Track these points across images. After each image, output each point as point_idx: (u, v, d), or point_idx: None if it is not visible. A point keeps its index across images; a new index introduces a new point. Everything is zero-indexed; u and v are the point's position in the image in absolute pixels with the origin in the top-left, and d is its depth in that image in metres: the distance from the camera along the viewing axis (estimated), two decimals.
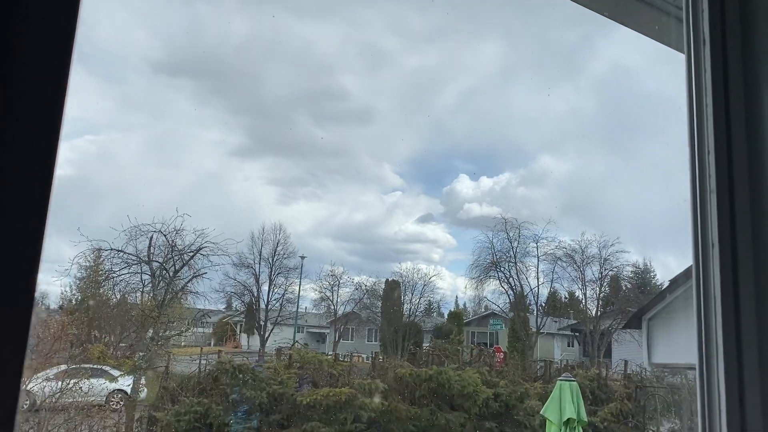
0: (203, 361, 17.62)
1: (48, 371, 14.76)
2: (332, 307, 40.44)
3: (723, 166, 1.25)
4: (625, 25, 2.02)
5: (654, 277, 47.51)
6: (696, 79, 1.38)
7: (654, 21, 1.85)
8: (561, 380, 8.22)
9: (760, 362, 1.17)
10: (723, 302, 1.21)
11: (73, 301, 31.22)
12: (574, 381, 8.32)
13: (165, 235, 20.95)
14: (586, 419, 8.12)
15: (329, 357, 16.38)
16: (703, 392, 1.25)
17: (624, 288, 37.98)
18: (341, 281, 40.34)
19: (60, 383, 14.30)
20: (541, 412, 8.35)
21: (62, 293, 33.22)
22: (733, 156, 1.25)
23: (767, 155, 1.20)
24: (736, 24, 1.31)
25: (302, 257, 39.38)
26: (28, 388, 14.61)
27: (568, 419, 7.55)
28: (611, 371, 21.58)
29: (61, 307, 27.36)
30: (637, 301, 37.58)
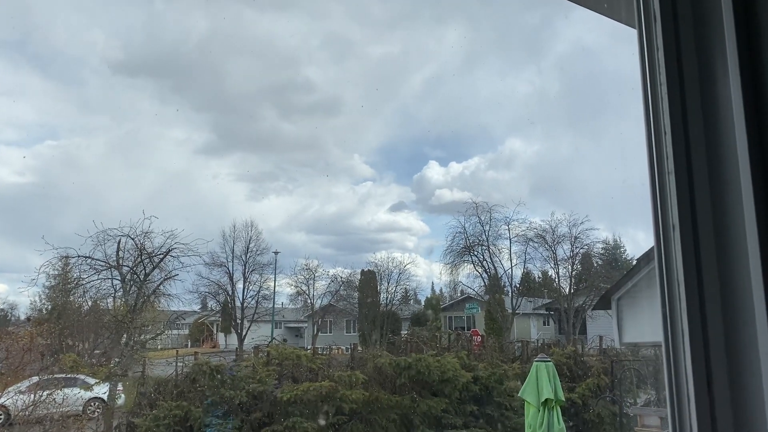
0: (180, 364, 17.41)
1: (20, 384, 14.43)
2: (309, 301, 40.34)
3: (680, 147, 1.23)
4: (577, 3, 2.00)
5: (624, 253, 48.36)
6: (649, 57, 1.35)
7: None
8: (537, 361, 8.33)
9: (726, 341, 1.16)
10: (686, 284, 1.20)
11: (44, 311, 30.60)
12: (550, 361, 8.43)
13: (133, 239, 20.60)
14: (563, 398, 8.24)
15: (307, 352, 16.33)
16: (670, 373, 1.24)
17: (595, 265, 38.60)
18: (317, 274, 40.23)
19: (33, 396, 13.99)
20: (519, 394, 8.45)
21: (31, 303, 32.49)
22: (690, 136, 1.23)
23: (724, 133, 1.19)
24: None
25: (276, 252, 39.14)
26: (1, 402, 14.29)
27: (546, 400, 7.65)
28: (587, 347, 21.99)
29: (28, 319, 26.73)
30: (608, 277, 38.26)
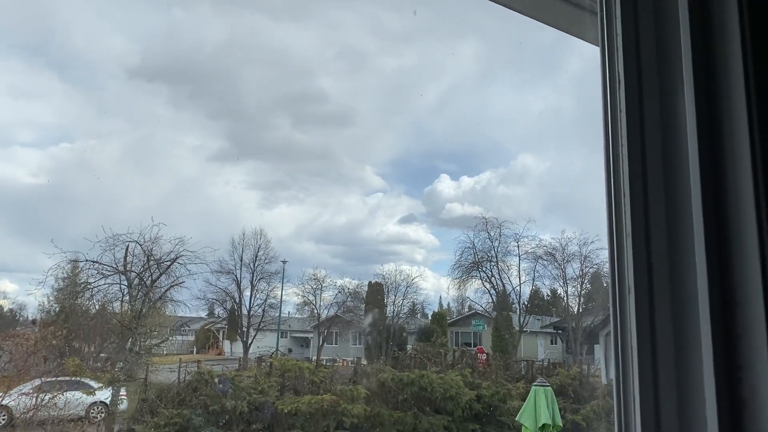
0: (183, 371, 17.43)
1: (23, 386, 14.49)
2: (315, 311, 40.26)
3: (637, 171, 1.22)
4: (547, 24, 2.00)
5: None
6: (610, 74, 1.35)
7: (571, 17, 1.84)
8: (536, 386, 8.24)
9: (678, 397, 1.15)
10: (639, 344, 1.19)
11: (51, 313, 30.80)
12: (548, 386, 8.34)
13: (141, 245, 20.69)
14: (561, 424, 8.14)
15: (310, 364, 16.28)
16: (620, 412, 1.25)
17: (605, 284, 38.27)
18: (324, 285, 40.16)
19: (36, 398, 14.05)
20: (516, 418, 8.36)
21: (40, 305, 32.73)
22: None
23: (682, 159, 1.17)
24: (649, 18, 1.28)
25: (284, 261, 39.16)
26: (4, 402, 14.34)
27: (543, 425, 7.56)
28: (593, 368, 21.72)
29: (33, 322, 26.88)
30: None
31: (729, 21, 1.10)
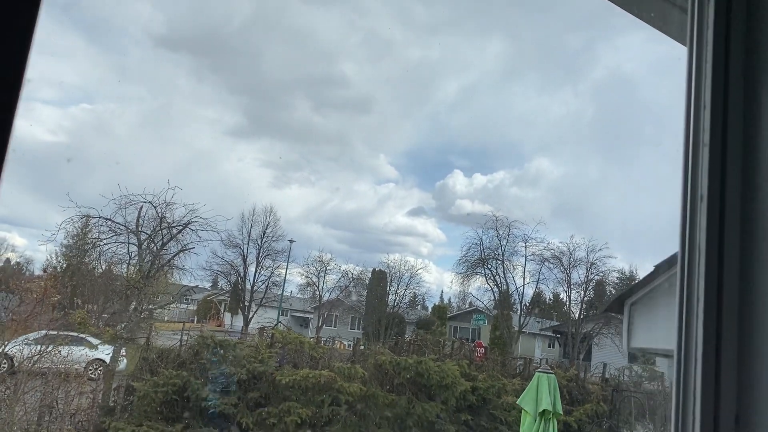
0: (185, 337, 17.58)
1: (28, 335, 14.69)
2: (317, 293, 40.51)
3: (716, 168, 1.25)
4: (628, 11, 2.00)
5: None
6: (696, 74, 1.36)
7: (656, 9, 1.82)
8: (539, 372, 8.28)
9: (738, 359, 1.18)
10: (706, 299, 1.21)
11: (58, 268, 31.09)
12: (552, 374, 8.39)
13: (155, 207, 20.81)
14: (561, 411, 8.19)
15: (311, 339, 16.40)
16: (679, 381, 1.26)
17: (608, 293, 38.22)
18: (328, 268, 40.40)
19: (39, 347, 14.24)
20: (517, 402, 8.41)
21: (47, 260, 33.03)
22: (728, 156, 1.24)
23: (763, 160, 1.20)
24: (741, 18, 1.30)
25: (291, 241, 39.39)
26: (7, 350, 14.55)
27: (544, 410, 7.60)
28: (590, 374, 21.76)
29: (44, 270, 27.13)
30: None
31: None
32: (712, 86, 1.29)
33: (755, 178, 1.21)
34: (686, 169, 1.31)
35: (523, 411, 8.00)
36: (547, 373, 8.22)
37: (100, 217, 20.14)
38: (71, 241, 23.85)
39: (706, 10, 1.35)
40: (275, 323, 24.72)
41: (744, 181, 1.23)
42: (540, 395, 7.72)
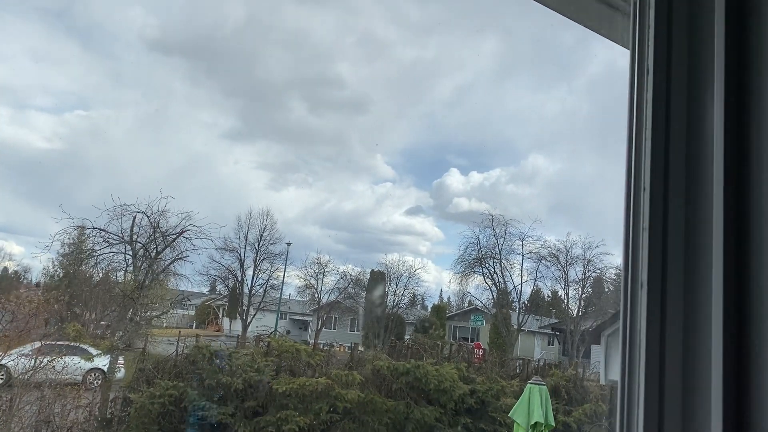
0: (182, 344, 17.53)
1: (23, 347, 14.63)
2: (316, 295, 40.41)
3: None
4: (575, 21, 1.98)
5: None
6: (638, 75, 1.34)
7: (600, 16, 1.82)
8: (531, 384, 8.24)
9: (683, 398, 1.14)
10: (648, 339, 1.18)
11: (55, 277, 31.03)
12: (543, 385, 8.34)
13: (148, 216, 20.78)
14: (553, 423, 8.15)
15: (308, 346, 16.35)
16: (623, 409, 1.23)
17: (606, 290, 38.23)
18: (326, 269, 40.29)
19: (34, 360, 14.18)
20: (509, 414, 8.36)
21: (44, 269, 32.94)
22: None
23: (706, 161, 1.16)
24: (683, 19, 1.27)
25: (288, 243, 39.28)
26: (3, 362, 14.49)
27: (536, 423, 7.56)
28: (589, 372, 21.74)
29: (37, 285, 27.09)
30: (618, 304, 37.84)
31: (766, 25, 1.09)
32: (654, 87, 1.28)
33: (699, 178, 1.19)
34: (629, 169, 1.29)
35: (515, 423, 7.95)
36: (538, 384, 8.19)
37: (94, 228, 20.12)
38: (67, 250, 23.80)
39: (647, 12, 1.35)
40: (272, 330, 24.66)
41: (688, 177, 1.20)
42: (532, 407, 7.68)
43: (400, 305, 40.74)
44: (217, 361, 13.29)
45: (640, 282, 1.20)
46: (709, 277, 1.09)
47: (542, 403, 7.76)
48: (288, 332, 45.36)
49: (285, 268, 39.46)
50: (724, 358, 1.02)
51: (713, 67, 1.17)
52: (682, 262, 1.16)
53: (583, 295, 35.73)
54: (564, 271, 35.38)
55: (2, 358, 14.31)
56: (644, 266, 1.19)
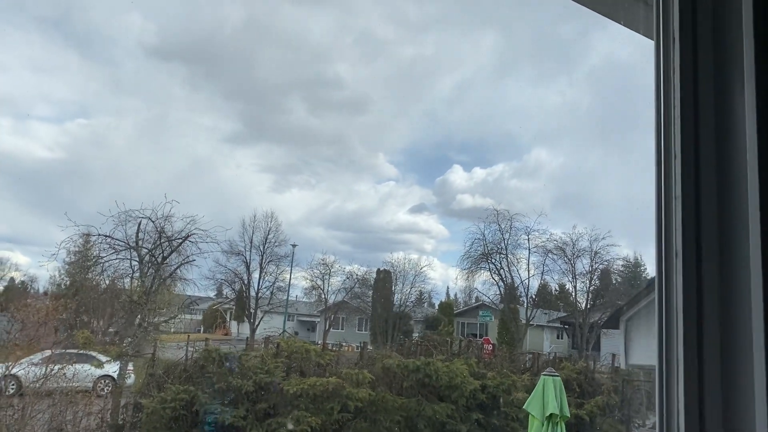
0: (191, 349, 17.55)
1: (33, 356, 14.66)
2: (323, 296, 40.41)
3: (690, 170, 1.17)
4: (593, 9, 1.94)
5: (644, 272, 47.77)
6: (665, 70, 1.29)
7: (622, 6, 1.78)
8: (545, 375, 8.19)
9: (722, 371, 1.10)
10: (685, 311, 1.14)
11: (62, 286, 31.09)
12: (557, 376, 8.29)
13: (153, 222, 20.78)
14: (568, 414, 8.10)
15: (317, 346, 16.33)
16: (662, 401, 1.19)
17: (614, 282, 38.12)
18: (332, 270, 40.28)
19: (45, 368, 14.20)
20: (524, 407, 8.31)
21: (51, 277, 33.01)
22: (701, 159, 1.17)
23: (736, 159, 1.13)
24: (708, 10, 1.23)
25: (293, 245, 39.27)
26: (13, 372, 14.52)
27: (551, 414, 7.51)
28: (599, 364, 21.68)
29: (45, 293, 27.15)
30: (627, 295, 37.75)
31: None
32: (681, 82, 1.24)
33: (730, 175, 1.15)
34: (659, 170, 1.25)
35: (530, 415, 7.90)
36: (552, 375, 8.13)
37: (99, 235, 20.14)
38: (73, 258, 23.84)
39: (671, 2, 1.30)
40: (281, 332, 24.65)
41: (719, 178, 1.16)
42: (546, 399, 7.64)
43: (407, 303, 40.71)
44: (227, 363, 13.28)
45: (675, 251, 1.16)
46: (745, 244, 1.05)
47: (557, 395, 7.71)
48: (296, 333, 45.36)
49: (291, 270, 39.49)
50: (765, 326, 0.98)
51: (742, 57, 1.13)
52: (717, 229, 1.13)
53: (591, 288, 35.64)
54: (571, 264, 35.30)
55: (13, 368, 14.35)
56: (678, 235, 1.16)
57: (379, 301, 39.59)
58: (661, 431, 1.19)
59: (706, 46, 1.24)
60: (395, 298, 40.15)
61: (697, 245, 1.14)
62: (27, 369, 14.54)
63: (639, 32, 1.66)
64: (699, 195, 1.16)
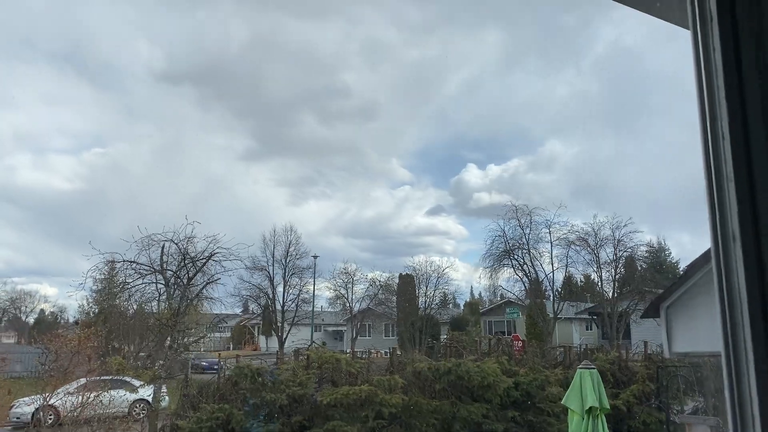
0: (223, 365, 17.65)
1: (68, 386, 14.85)
2: (348, 305, 40.49)
3: (740, 152, 1.16)
4: (623, 3, 1.92)
5: (669, 256, 47.25)
6: (705, 60, 1.28)
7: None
8: (581, 368, 8.09)
9: None
10: (749, 296, 1.13)
11: (91, 314, 31.48)
12: (594, 369, 8.19)
13: (176, 244, 20.97)
14: (608, 406, 7.99)
15: (347, 355, 16.34)
16: (731, 382, 1.17)
17: (639, 268, 37.69)
18: (355, 278, 40.40)
19: (81, 397, 14.38)
20: (562, 402, 8.21)
21: (80, 306, 33.43)
22: (751, 140, 1.16)
23: None
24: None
25: (315, 257, 39.46)
26: (51, 402, 14.73)
27: (591, 407, 7.42)
28: (631, 353, 21.44)
29: (76, 322, 27.50)
30: (653, 281, 37.32)
31: None
32: (724, 71, 1.21)
33: None
34: (707, 161, 1.23)
35: (569, 410, 7.82)
36: (588, 368, 8.05)
37: (124, 261, 20.36)
38: (100, 285, 24.15)
39: None
40: (309, 343, 24.71)
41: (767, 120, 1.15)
42: (584, 392, 7.55)
43: (432, 306, 40.60)
44: (263, 378, 13.36)
45: (732, 235, 1.15)
46: None
47: (595, 387, 7.62)
48: (324, 344, 45.41)
49: (314, 281, 39.65)
50: None
51: None
52: (765, 152, 1.11)
53: (617, 276, 35.26)
54: (595, 254, 34.98)
55: (50, 398, 14.55)
56: (734, 218, 1.14)
57: (404, 305, 39.55)
58: (734, 420, 1.17)
59: (746, 34, 1.22)
60: (419, 301, 40.09)
61: (755, 227, 1.13)
62: (64, 399, 14.74)
63: (672, 22, 1.64)
64: (752, 175, 1.15)
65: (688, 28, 1.36)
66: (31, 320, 52.63)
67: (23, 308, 51.14)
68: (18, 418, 17.92)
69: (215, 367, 17.76)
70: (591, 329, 42.78)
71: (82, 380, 15.09)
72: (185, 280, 21.07)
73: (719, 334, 1.22)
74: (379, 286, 40.78)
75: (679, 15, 1.46)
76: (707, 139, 1.22)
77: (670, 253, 47.28)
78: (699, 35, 1.28)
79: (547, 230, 35.45)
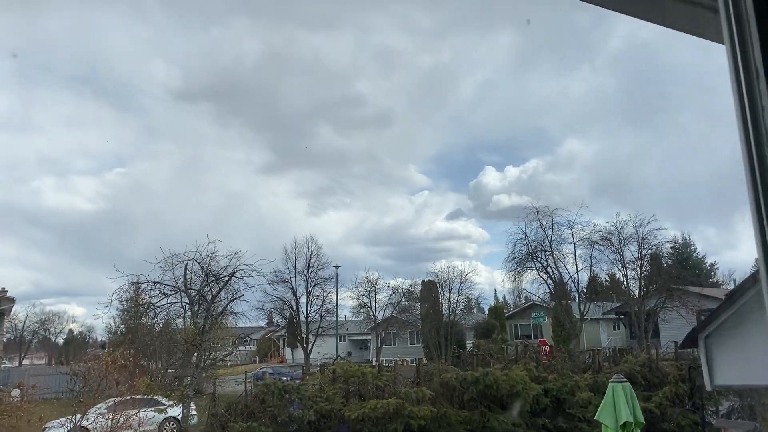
0: (249, 381, 17.67)
1: (98, 406, 14.99)
2: (371, 313, 40.35)
3: None
4: (658, 23, 1.85)
5: (695, 251, 46.46)
6: (746, 76, 1.21)
7: (682, 15, 1.69)
8: (613, 382, 7.89)
9: None
10: None
11: (118, 333, 31.81)
12: (626, 382, 7.98)
13: (199, 263, 21.14)
14: (643, 420, 7.79)
15: (373, 369, 16.26)
16: None
17: (665, 265, 37.09)
18: (377, 286, 40.24)
19: (111, 418, 14.50)
20: (595, 417, 8.02)
21: (107, 326, 33.78)
22: None
23: None
24: None
25: (336, 266, 39.43)
26: (83, 423, 14.87)
27: (625, 423, 7.23)
28: (661, 352, 21.04)
29: (103, 346, 27.77)
30: (679, 278, 36.66)
31: None
32: (766, 77, 1.14)
33: None
34: (741, 108, 1.15)
35: (602, 425, 7.64)
36: (621, 381, 7.85)
37: (148, 282, 20.55)
38: (125, 306, 24.39)
39: (743, 6, 1.21)
40: (335, 357, 24.68)
41: None
42: (618, 407, 7.36)
43: (456, 311, 40.28)
44: (290, 395, 13.34)
45: None
46: None
47: (628, 401, 7.42)
48: (349, 353, 45.38)
49: (337, 291, 39.61)
50: None
51: None
52: None
53: (643, 275, 34.69)
54: (619, 253, 34.46)
55: (81, 420, 14.69)
56: None
57: (428, 312, 39.31)
58: None
59: None
60: (443, 307, 39.80)
61: None
62: (95, 420, 14.88)
63: (707, 38, 1.58)
64: None
65: (722, 42, 1.30)
66: (60, 341, 53.37)
67: (52, 329, 51.88)
68: None
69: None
70: (618, 329, 42.17)
71: (111, 401, 15.22)
72: (209, 298, 21.20)
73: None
74: (401, 294, 40.61)
75: (714, 31, 1.39)
76: (751, 151, 1.14)
77: (696, 248, 46.51)
78: (738, 50, 1.21)
79: (570, 231, 35.03)
